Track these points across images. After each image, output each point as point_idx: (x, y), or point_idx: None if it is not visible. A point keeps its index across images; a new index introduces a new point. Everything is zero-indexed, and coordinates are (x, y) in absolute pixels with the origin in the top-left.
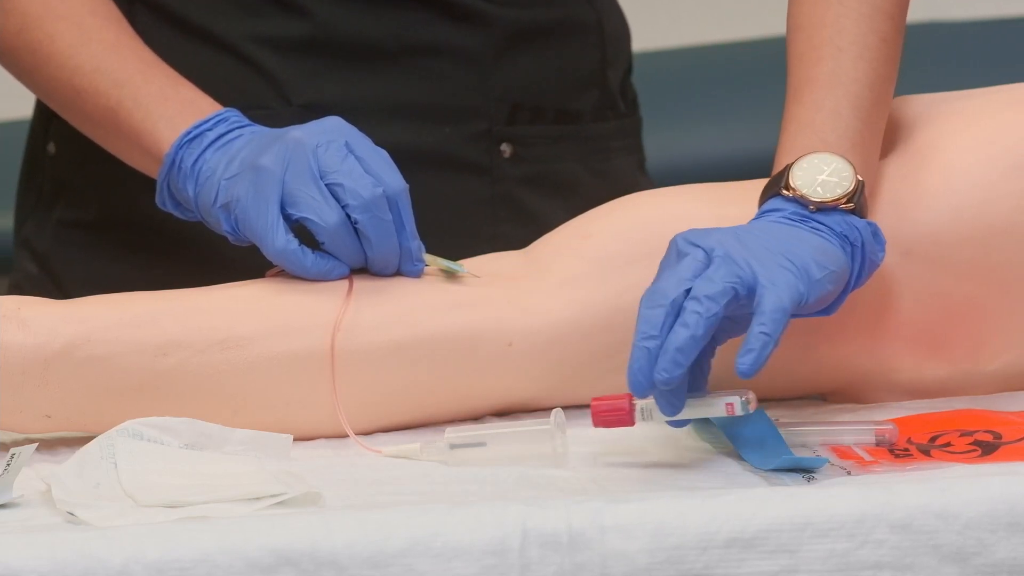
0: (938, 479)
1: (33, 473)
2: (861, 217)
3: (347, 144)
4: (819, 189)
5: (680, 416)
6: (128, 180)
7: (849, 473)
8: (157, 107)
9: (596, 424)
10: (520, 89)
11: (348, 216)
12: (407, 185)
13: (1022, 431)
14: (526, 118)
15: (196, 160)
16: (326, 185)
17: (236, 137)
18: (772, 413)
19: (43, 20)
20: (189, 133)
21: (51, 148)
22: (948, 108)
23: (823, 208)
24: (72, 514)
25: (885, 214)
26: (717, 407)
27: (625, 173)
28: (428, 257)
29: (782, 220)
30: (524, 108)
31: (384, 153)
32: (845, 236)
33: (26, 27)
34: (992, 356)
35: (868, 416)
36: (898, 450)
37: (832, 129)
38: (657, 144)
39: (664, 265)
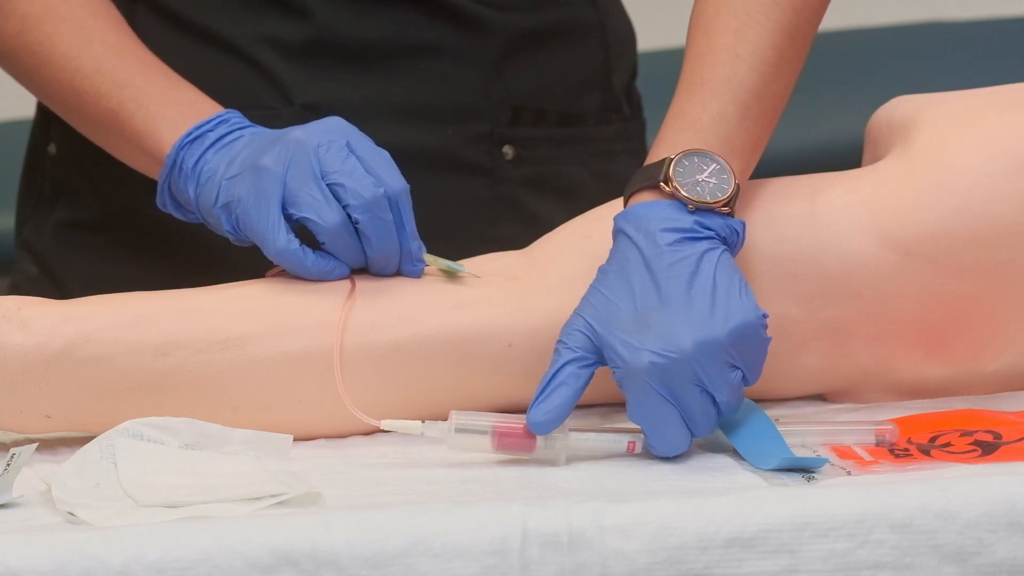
0: (938, 479)
1: (33, 473)
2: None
3: (348, 144)
4: (698, 189)
5: (581, 455)
6: (128, 181)
7: (849, 473)
8: (158, 109)
9: (496, 446)
10: (523, 91)
11: (349, 216)
12: (408, 185)
13: (1022, 431)
14: (529, 120)
15: (197, 161)
16: (327, 185)
17: (237, 138)
18: (772, 413)
19: (43, 22)
20: (190, 134)
21: (51, 149)
22: (948, 108)
23: (701, 209)
24: (72, 514)
25: (885, 214)
26: (619, 443)
27: (628, 176)
28: (428, 257)
29: (682, 243)
30: (527, 110)
31: (385, 153)
32: (725, 240)
33: (26, 29)
34: (992, 356)
35: (868, 416)
36: (898, 450)
37: (715, 132)
38: None
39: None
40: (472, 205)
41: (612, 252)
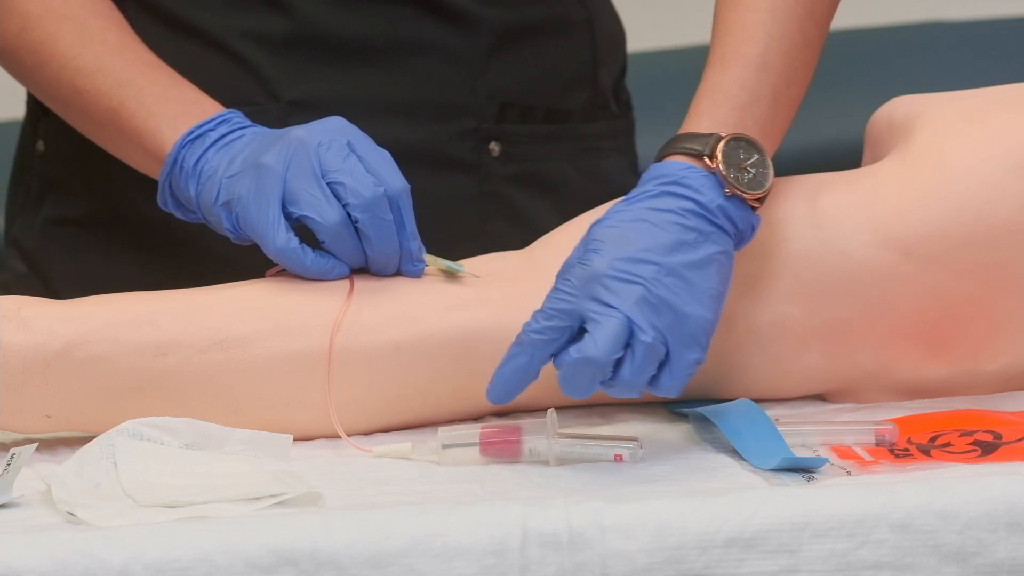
0: (938, 479)
1: (33, 473)
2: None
3: (349, 143)
4: (738, 176)
5: (568, 461)
6: (117, 178)
7: (849, 473)
8: (159, 107)
9: (482, 452)
10: (509, 88)
11: (349, 215)
12: (408, 185)
13: (1022, 431)
14: (515, 117)
15: (198, 160)
16: (327, 184)
17: (238, 137)
18: (772, 413)
19: (44, 21)
20: (191, 133)
21: (40, 146)
22: (948, 108)
23: (735, 196)
24: (72, 514)
25: (885, 214)
26: (606, 454)
27: (616, 174)
28: (428, 257)
29: (698, 224)
30: (513, 107)
31: (386, 153)
32: (741, 233)
33: (27, 28)
34: (992, 356)
35: (868, 416)
36: (898, 450)
37: (752, 113)
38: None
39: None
40: (459, 202)
41: (634, 195)
